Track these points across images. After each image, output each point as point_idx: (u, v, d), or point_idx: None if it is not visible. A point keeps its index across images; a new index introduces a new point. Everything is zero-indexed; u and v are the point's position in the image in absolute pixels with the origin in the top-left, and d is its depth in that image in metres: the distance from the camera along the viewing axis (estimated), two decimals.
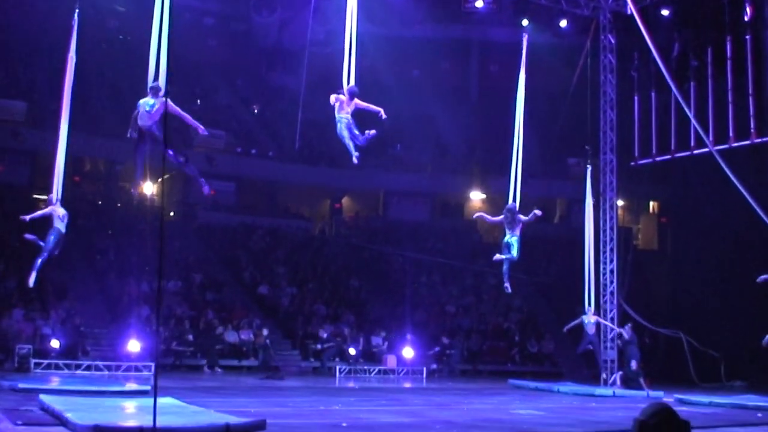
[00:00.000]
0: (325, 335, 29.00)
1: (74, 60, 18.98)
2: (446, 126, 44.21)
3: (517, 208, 19.83)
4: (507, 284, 20.02)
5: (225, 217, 37.43)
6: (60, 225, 18.51)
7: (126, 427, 10.82)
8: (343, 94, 14.93)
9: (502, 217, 19.78)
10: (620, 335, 25.15)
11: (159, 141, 12.82)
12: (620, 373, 24.98)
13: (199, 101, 40.50)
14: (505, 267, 19.87)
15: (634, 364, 24.22)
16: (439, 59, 45.87)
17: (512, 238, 19.53)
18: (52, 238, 18.41)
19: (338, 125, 14.92)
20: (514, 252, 19.48)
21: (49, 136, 31.63)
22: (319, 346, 28.80)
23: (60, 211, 18.53)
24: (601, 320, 25.46)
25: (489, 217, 20.55)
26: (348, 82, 14.88)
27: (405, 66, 43.94)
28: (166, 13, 12.82)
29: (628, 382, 24.13)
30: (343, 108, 14.88)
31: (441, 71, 46.50)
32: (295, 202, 42.01)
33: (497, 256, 19.67)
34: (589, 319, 24.58)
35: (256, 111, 43.38)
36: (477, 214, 21.20)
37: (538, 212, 19.44)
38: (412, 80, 44.89)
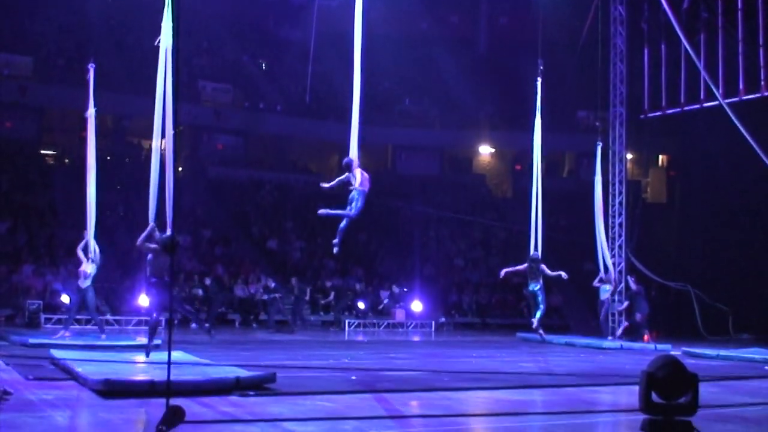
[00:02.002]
0: (272, 285, 27.89)
1: (93, 116, 18.94)
2: (455, 80, 43.96)
3: (540, 256, 20.44)
4: (541, 331, 20.26)
5: (233, 171, 37.38)
6: (83, 282, 18.58)
7: (136, 380, 10.91)
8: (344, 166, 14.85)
9: (525, 265, 20.27)
10: (627, 287, 25.16)
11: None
12: (626, 324, 24.99)
13: (206, 55, 40.31)
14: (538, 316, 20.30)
15: (638, 316, 24.30)
16: (448, 12, 45.51)
17: (536, 287, 19.93)
18: (75, 302, 18.59)
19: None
20: (541, 303, 19.95)
21: (56, 91, 31.66)
22: (265, 297, 27.79)
23: (87, 268, 18.54)
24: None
25: (513, 269, 21.01)
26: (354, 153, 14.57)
27: (413, 19, 43.61)
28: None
29: (631, 332, 24.25)
30: (352, 182, 14.74)
31: (450, 24, 46.17)
32: (303, 156, 41.92)
33: (534, 323, 20.09)
34: (606, 287, 24.60)
35: (264, 66, 43.14)
36: (503, 271, 21.34)
37: (563, 275, 20.49)
38: (421, 33, 44.57)
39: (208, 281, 27.37)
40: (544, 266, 20.52)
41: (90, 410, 9.50)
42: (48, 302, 24.44)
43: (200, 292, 27.31)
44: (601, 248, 24.54)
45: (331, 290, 29.44)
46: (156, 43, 13.47)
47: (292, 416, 9.19)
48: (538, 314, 20.33)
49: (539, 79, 22.16)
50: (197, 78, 37.79)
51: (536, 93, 22.24)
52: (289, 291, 27.93)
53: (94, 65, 19.27)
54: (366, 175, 14.46)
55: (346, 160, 14.41)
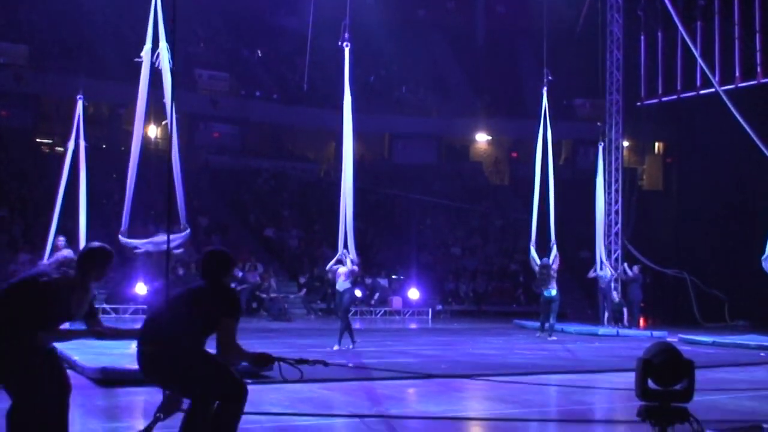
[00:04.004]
0: (240, 274, 27.67)
1: (73, 147, 18.11)
2: (452, 67, 43.90)
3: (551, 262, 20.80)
4: (554, 337, 20.31)
5: (230, 160, 37.34)
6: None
7: (133, 369, 10.89)
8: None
9: (538, 269, 20.77)
10: (624, 271, 25.12)
11: None
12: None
13: (202, 44, 40.22)
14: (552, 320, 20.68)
15: (615, 296, 24.35)
16: None
17: (552, 293, 20.14)
18: None
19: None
20: (552, 312, 20.57)
21: (51, 79, 31.51)
22: (233, 286, 27.46)
23: (64, 252, 18.16)
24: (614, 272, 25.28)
25: (536, 257, 21.41)
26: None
27: (410, 7, 43.53)
28: None
29: (615, 315, 24.37)
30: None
31: (447, 12, 46.11)
32: (300, 144, 41.87)
33: (548, 335, 20.36)
34: (606, 273, 24.50)
35: (260, 54, 43.03)
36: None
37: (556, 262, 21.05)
38: (418, 21, 44.48)
39: (181, 272, 27.22)
40: (554, 267, 20.67)
41: (87, 398, 9.50)
42: None
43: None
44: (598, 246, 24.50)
45: (303, 287, 29.47)
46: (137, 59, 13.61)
47: (289, 404, 9.21)
48: (552, 320, 20.44)
49: (545, 89, 22.04)
50: (194, 66, 37.70)
51: (542, 103, 22.08)
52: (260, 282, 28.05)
53: (82, 97, 18.40)
54: (354, 267, 16.66)
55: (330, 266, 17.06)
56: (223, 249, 6.49)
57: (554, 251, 21.33)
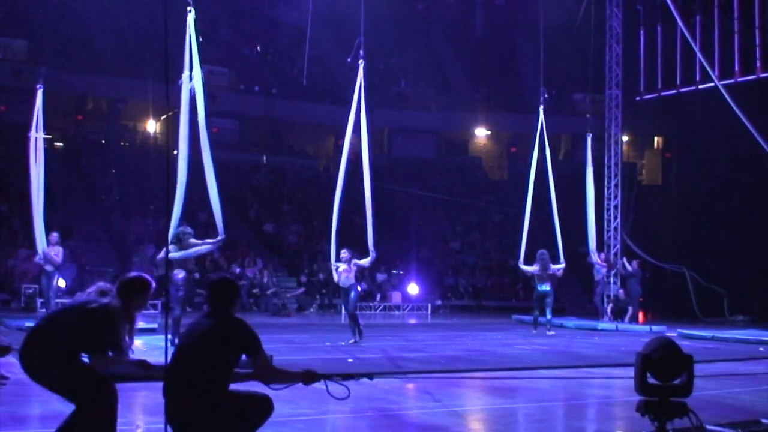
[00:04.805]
0: (237, 270, 27.75)
1: (41, 139, 18.06)
2: (451, 62, 43.83)
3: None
4: (552, 332, 20.22)
5: (229, 155, 37.28)
6: (49, 266, 18.12)
7: None
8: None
9: (537, 265, 20.48)
10: (623, 266, 25.13)
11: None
12: (611, 305, 25.08)
13: (200, 38, 40.09)
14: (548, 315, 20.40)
15: (621, 293, 24.38)
16: None
17: (547, 288, 20.09)
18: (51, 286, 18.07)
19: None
20: (547, 307, 20.18)
21: (51, 74, 31.44)
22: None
23: (51, 252, 18.00)
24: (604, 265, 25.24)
25: (528, 268, 21.12)
26: None
27: (409, 1, 43.49)
28: None
29: (618, 312, 24.40)
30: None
31: (446, 6, 46.09)
32: (299, 139, 41.84)
33: (550, 332, 20.01)
34: (600, 265, 24.47)
35: (259, 49, 42.98)
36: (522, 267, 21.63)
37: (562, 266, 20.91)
38: (417, 15, 44.44)
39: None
40: (551, 264, 20.61)
41: None
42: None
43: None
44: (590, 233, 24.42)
45: (303, 285, 29.47)
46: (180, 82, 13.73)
47: (288, 399, 9.22)
48: (548, 315, 20.35)
49: (542, 107, 21.88)
50: None
51: (539, 122, 21.87)
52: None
53: (42, 87, 18.33)
54: (355, 265, 17.42)
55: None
56: (228, 277, 6.22)
57: (561, 263, 21.24)
